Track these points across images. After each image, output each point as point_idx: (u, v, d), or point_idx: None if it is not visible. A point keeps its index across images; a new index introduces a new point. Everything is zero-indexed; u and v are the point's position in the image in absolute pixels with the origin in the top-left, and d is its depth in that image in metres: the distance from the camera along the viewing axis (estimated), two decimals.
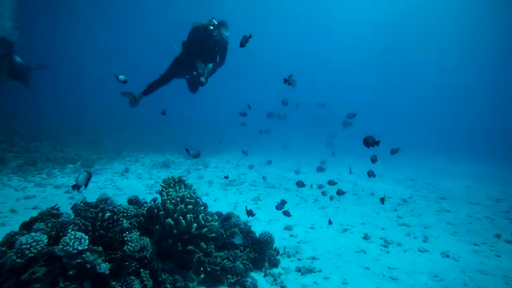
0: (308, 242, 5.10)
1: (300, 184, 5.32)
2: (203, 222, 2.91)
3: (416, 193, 9.80)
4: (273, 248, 4.14)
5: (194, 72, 5.61)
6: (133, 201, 4.01)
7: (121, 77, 4.56)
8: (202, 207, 3.00)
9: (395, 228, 6.14)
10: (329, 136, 11.10)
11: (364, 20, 37.74)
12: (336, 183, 6.09)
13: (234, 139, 17.90)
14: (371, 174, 4.66)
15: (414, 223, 6.45)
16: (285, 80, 4.46)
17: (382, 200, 5.14)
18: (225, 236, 3.67)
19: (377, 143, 3.70)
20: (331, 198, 5.84)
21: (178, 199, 3.00)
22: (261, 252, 3.75)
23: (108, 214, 2.80)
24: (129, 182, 8.51)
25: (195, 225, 2.86)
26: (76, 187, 2.87)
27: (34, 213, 3.73)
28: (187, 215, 2.86)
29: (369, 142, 3.72)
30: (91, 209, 3.18)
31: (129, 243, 2.59)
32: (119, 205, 3.68)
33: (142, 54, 38.87)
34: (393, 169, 14.96)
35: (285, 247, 4.55)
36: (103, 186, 7.82)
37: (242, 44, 4.79)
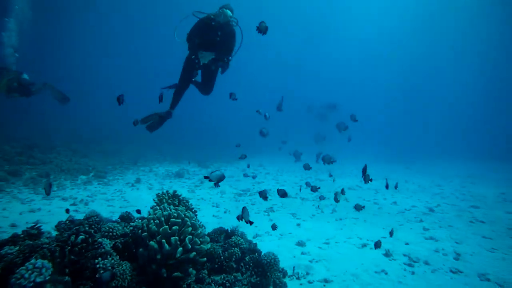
0: (321, 260, 4.59)
1: (264, 195, 4.43)
2: (190, 246, 2.51)
3: (444, 201, 9.04)
4: (280, 269, 3.69)
5: (199, 63, 5.15)
6: (125, 217, 3.68)
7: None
8: (190, 228, 2.61)
9: (421, 242, 5.52)
10: (320, 137, 10.56)
11: (378, 18, 36.85)
12: (319, 187, 5.53)
13: (251, 146, 17.47)
14: (367, 179, 4.30)
15: (443, 236, 5.80)
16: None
17: (358, 207, 5.05)
18: (222, 257, 3.26)
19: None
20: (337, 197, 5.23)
21: (163, 218, 2.62)
22: (264, 275, 3.31)
23: (82, 236, 2.45)
24: (139, 194, 8.28)
25: (180, 249, 2.47)
26: None
27: None
28: (172, 238, 2.48)
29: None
30: (74, 228, 2.87)
31: (101, 271, 2.24)
32: (111, 222, 3.36)
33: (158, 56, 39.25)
34: (417, 175, 14.13)
35: (294, 267, 4.08)
36: (111, 197, 7.60)
37: (261, 31, 4.24)
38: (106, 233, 3.04)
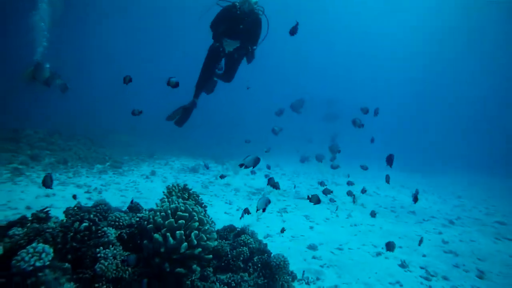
0: (333, 266, 4.40)
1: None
2: (195, 242, 2.40)
3: (465, 213, 8.63)
4: (289, 272, 3.54)
5: (221, 50, 4.97)
6: (133, 208, 3.63)
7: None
8: (197, 223, 2.50)
9: (440, 256, 5.23)
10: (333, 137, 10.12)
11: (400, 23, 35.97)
12: (331, 191, 5.20)
13: (268, 145, 17.20)
14: (388, 179, 4.08)
15: (464, 251, 5.48)
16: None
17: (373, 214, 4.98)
18: (230, 256, 3.14)
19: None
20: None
21: (169, 211, 2.53)
22: (272, 277, 3.17)
23: (85, 224, 2.39)
24: (153, 186, 8.29)
25: (184, 244, 2.36)
26: None
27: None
28: (177, 232, 2.38)
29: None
30: (79, 215, 2.83)
31: (102, 260, 2.16)
32: (118, 212, 3.30)
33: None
34: (436, 185, 13.60)
35: (304, 271, 3.91)
36: (124, 188, 7.64)
37: (293, 33, 4.21)
38: (112, 222, 2.98)
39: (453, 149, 29.15)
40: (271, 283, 3.15)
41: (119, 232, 2.88)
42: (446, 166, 20.15)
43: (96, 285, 2.09)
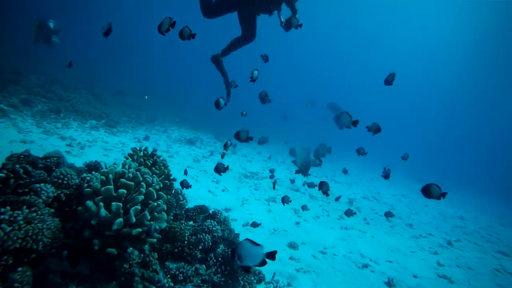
0: (310, 272, 3.89)
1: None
2: (133, 219, 1.90)
3: (466, 237, 8.02)
4: (257, 271, 3.04)
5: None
6: (91, 167, 3.14)
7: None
8: (142, 197, 2.00)
9: (433, 279, 4.69)
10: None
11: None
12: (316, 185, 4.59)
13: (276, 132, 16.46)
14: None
15: (460, 278, 4.93)
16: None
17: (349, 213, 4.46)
18: (186, 242, 2.64)
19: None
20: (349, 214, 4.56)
21: (112, 176, 2.02)
22: (232, 276, 2.68)
23: (2, 174, 1.89)
24: None
25: (119, 220, 1.86)
26: None
27: None
28: (113, 203, 1.88)
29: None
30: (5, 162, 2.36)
31: (3, 225, 1.67)
32: (67, 168, 2.81)
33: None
34: (439, 202, 12.93)
35: (275, 273, 3.41)
36: (110, 148, 7.19)
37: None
38: (55, 179, 2.49)
39: (471, 168, 28.24)
40: (230, 282, 2.65)
41: (58, 192, 2.40)
42: (460, 184, 19.38)
43: None
